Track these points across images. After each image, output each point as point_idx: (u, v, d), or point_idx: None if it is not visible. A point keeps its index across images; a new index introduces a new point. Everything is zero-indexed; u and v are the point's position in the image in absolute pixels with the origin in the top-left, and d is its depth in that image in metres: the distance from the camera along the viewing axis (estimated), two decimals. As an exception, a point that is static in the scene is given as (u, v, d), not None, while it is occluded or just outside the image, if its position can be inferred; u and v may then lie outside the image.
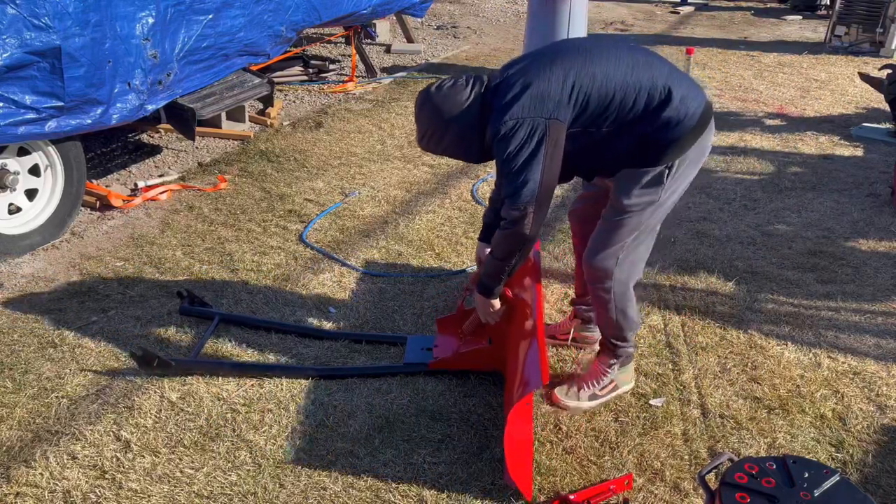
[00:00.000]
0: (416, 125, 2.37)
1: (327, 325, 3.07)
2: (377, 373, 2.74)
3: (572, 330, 2.93)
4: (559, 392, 2.60)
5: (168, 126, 4.44)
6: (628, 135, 2.23)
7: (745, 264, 3.63)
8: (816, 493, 1.74)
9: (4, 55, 3.02)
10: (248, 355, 2.86)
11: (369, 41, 7.85)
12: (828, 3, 11.22)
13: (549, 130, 2.15)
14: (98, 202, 4.13)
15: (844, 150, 5.32)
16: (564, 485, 2.25)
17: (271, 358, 2.84)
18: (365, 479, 2.26)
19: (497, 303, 2.50)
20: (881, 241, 3.91)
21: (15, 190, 3.58)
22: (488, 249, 2.63)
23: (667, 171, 2.26)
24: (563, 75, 2.18)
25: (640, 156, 2.26)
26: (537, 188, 2.16)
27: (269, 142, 5.18)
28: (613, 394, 2.62)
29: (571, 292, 3.35)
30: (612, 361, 2.60)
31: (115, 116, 3.64)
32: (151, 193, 4.24)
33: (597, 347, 2.78)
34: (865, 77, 6.08)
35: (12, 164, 3.55)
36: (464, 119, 2.27)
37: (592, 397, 2.59)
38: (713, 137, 2.36)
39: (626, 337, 2.57)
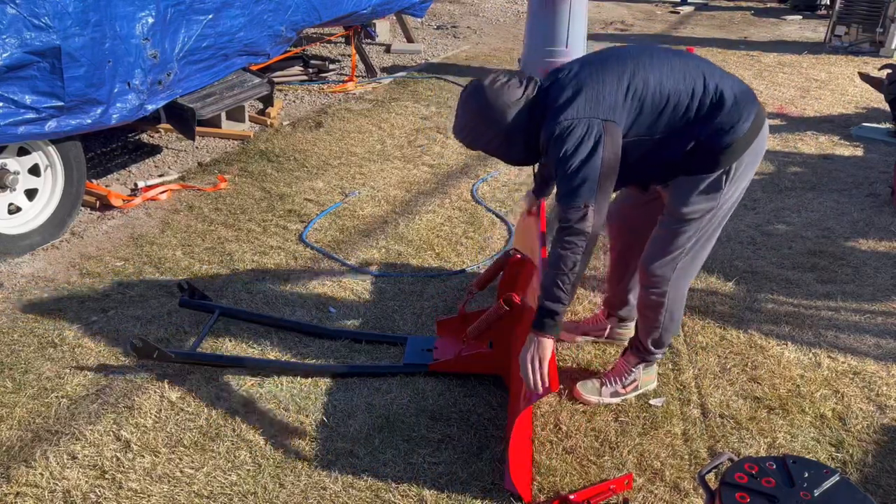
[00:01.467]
0: (458, 114, 2.28)
1: (327, 325, 3.07)
2: (376, 372, 2.74)
3: (609, 327, 2.93)
4: (581, 387, 2.61)
5: (168, 126, 4.43)
6: (681, 140, 2.20)
7: (744, 264, 3.63)
8: (816, 492, 1.74)
9: (4, 55, 3.01)
10: (248, 354, 2.86)
11: (369, 41, 7.84)
12: (828, 2, 11.22)
13: (605, 130, 2.10)
14: (98, 202, 4.13)
15: (844, 150, 5.32)
16: (564, 485, 2.25)
17: (271, 357, 2.85)
18: (365, 479, 2.26)
19: (551, 345, 2.13)
20: (881, 241, 3.91)
21: (15, 190, 3.58)
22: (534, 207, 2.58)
23: (724, 176, 2.23)
24: (616, 79, 2.15)
25: (694, 162, 2.22)
26: (596, 186, 2.09)
27: (269, 142, 5.18)
28: (636, 392, 2.64)
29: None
30: (637, 363, 2.60)
31: (114, 116, 3.64)
32: (151, 193, 4.24)
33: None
34: (865, 77, 6.08)
35: (12, 163, 3.55)
36: (512, 119, 2.20)
37: (614, 394, 2.60)
38: (767, 140, 2.33)
39: (665, 342, 2.57)
